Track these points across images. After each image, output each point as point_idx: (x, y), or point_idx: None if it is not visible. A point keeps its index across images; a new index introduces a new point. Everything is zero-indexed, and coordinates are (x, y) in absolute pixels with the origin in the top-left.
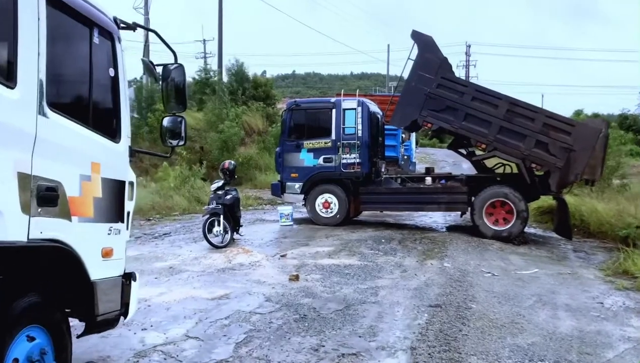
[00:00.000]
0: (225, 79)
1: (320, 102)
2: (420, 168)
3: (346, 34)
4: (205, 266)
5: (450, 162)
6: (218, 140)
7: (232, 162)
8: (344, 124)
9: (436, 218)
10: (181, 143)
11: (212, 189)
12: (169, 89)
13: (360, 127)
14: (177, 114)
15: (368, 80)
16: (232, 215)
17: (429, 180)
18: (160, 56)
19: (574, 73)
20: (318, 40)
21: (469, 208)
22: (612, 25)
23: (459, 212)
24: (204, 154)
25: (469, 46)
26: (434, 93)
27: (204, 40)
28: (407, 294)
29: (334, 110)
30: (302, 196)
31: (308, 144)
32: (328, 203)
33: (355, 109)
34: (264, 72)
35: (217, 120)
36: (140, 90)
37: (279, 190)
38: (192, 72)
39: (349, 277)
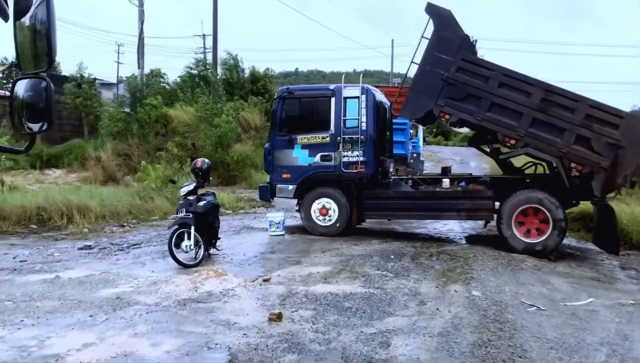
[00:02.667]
0: (220, 73)
1: (317, 89)
2: (427, 167)
3: (350, 28)
4: (163, 296)
5: (457, 161)
6: (212, 136)
7: (206, 160)
8: (345, 115)
9: (452, 226)
10: (45, 128)
11: (182, 194)
12: (30, 31)
13: (364, 118)
14: (39, 75)
15: (371, 78)
16: (206, 226)
17: (446, 182)
18: (158, 51)
19: (569, 69)
20: (319, 38)
21: (495, 217)
22: (603, 23)
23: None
24: (196, 151)
25: (475, 41)
26: (453, 78)
27: (204, 35)
28: (430, 345)
29: (333, 99)
30: (295, 201)
31: (302, 138)
32: (326, 209)
33: (358, 97)
34: (268, 69)
35: (212, 114)
36: (133, 85)
37: (268, 193)
38: (182, 71)
39: (350, 314)
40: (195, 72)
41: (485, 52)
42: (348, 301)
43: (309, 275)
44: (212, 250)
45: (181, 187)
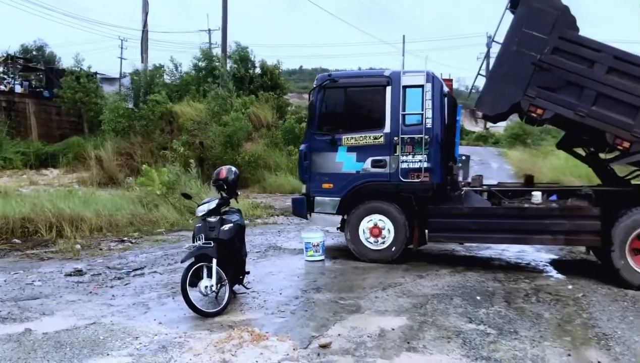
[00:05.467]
0: (228, 66)
1: (368, 75)
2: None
3: (354, 25)
4: None
5: (476, 160)
6: (221, 134)
7: (233, 169)
8: (404, 110)
9: (522, 247)
10: None
11: (199, 213)
12: None
13: (429, 113)
14: None
15: None
16: (231, 257)
17: (537, 196)
18: (162, 45)
19: None
20: (320, 36)
21: (602, 241)
22: (592, 21)
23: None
24: (204, 151)
25: (490, 37)
26: (548, 61)
27: (209, 30)
28: None
29: (388, 89)
30: (339, 218)
31: (349, 139)
32: (379, 229)
33: (421, 86)
34: (278, 61)
35: (221, 110)
36: (137, 80)
37: (304, 207)
38: (189, 63)
39: None
40: (202, 64)
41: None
42: None
43: (381, 334)
44: (238, 287)
45: (198, 205)
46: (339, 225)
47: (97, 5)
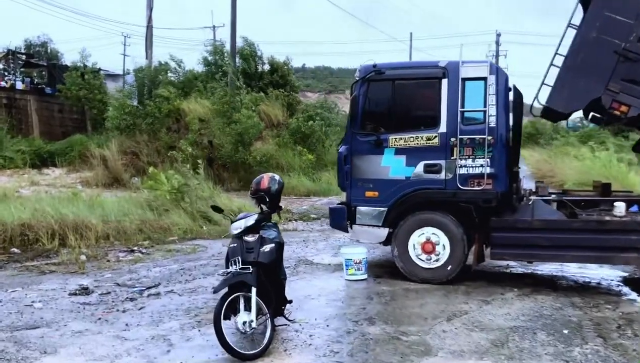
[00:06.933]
0: (238, 62)
1: (420, 66)
2: None
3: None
4: None
5: None
6: (232, 132)
7: (277, 177)
8: (463, 106)
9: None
10: None
11: (235, 231)
12: None
13: (493, 111)
14: None
15: None
16: (272, 283)
17: (620, 207)
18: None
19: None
20: (320, 34)
21: None
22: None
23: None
24: (214, 150)
25: (499, 35)
26: (635, 50)
27: (214, 27)
28: None
29: (444, 81)
30: (385, 231)
31: (397, 139)
32: (432, 244)
33: (484, 78)
34: (287, 57)
35: (230, 108)
36: (141, 76)
37: (344, 219)
38: (198, 58)
39: None
40: (210, 58)
41: (523, 47)
42: None
43: None
44: (279, 322)
45: (233, 221)
46: (382, 240)
47: (101, 1)
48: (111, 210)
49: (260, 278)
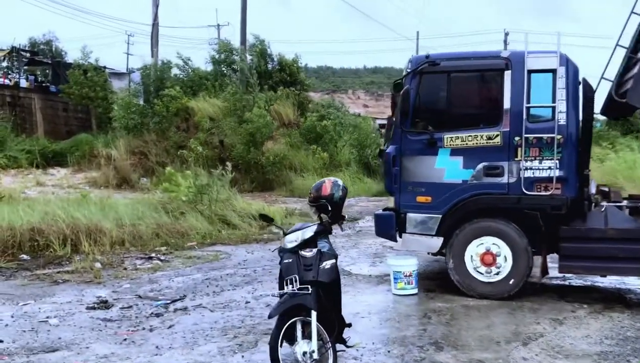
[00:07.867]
0: (248, 60)
1: (479, 57)
2: None
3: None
4: None
5: None
6: (244, 132)
7: (340, 183)
8: (529, 102)
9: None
10: None
11: (290, 245)
12: None
13: (563, 107)
14: None
15: (382, 74)
16: (331, 303)
17: None
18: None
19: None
20: (321, 33)
21: None
22: (576, 18)
23: None
24: (225, 150)
25: (507, 34)
26: None
27: (218, 26)
28: None
29: (507, 74)
30: (439, 240)
31: (452, 139)
32: (492, 255)
33: (553, 71)
34: (296, 55)
35: (241, 106)
36: (147, 74)
37: (392, 227)
38: (206, 57)
39: None
40: (218, 56)
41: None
42: None
43: None
44: (341, 348)
45: (287, 233)
46: (436, 250)
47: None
48: (124, 213)
49: (321, 300)
